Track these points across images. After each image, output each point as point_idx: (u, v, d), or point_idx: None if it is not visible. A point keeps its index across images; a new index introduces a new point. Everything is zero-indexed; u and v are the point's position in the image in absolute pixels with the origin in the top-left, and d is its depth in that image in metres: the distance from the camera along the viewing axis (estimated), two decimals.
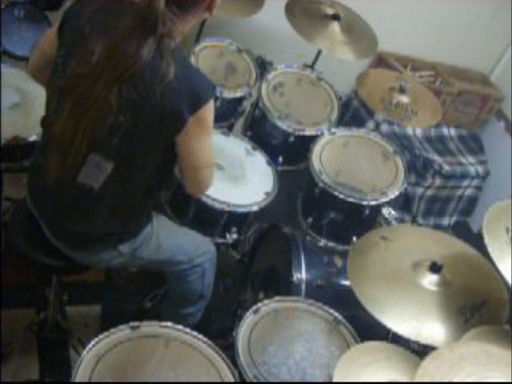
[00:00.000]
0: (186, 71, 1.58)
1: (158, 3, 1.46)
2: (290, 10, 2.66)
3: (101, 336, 1.59)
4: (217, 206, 2.16)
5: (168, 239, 1.94)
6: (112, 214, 1.74)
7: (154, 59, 1.50)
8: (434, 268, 1.68)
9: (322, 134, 2.54)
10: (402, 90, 2.54)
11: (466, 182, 3.50)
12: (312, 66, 2.88)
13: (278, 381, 1.70)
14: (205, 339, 1.67)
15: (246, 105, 2.70)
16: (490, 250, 1.54)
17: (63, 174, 1.63)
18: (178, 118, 1.57)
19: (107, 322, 2.00)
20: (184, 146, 1.65)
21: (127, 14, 1.50)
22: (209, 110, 1.61)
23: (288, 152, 2.58)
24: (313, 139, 2.52)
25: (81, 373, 1.50)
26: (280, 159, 2.57)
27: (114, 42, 1.50)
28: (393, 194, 2.37)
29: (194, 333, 1.68)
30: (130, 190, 1.72)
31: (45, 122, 1.74)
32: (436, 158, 3.41)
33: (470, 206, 3.63)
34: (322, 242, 2.42)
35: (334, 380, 1.54)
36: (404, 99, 2.54)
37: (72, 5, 1.66)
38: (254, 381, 1.68)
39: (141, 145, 1.61)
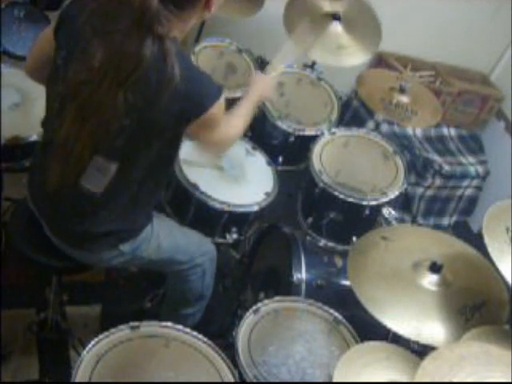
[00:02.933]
0: (192, 73, 1.56)
1: (151, 1, 1.44)
2: (289, 10, 2.66)
3: (101, 336, 1.59)
4: (217, 206, 2.16)
5: (168, 239, 1.93)
6: (112, 214, 1.74)
7: (158, 62, 1.48)
8: (434, 268, 1.68)
9: (322, 134, 2.54)
10: (402, 90, 2.54)
11: (466, 182, 3.50)
12: (312, 66, 2.88)
13: (278, 381, 1.70)
14: (205, 339, 1.67)
15: None
16: (490, 249, 1.54)
17: (64, 180, 1.62)
18: (184, 120, 1.58)
19: (107, 322, 2.00)
20: (195, 136, 1.73)
21: (124, 14, 1.48)
22: (215, 111, 1.62)
23: (288, 152, 2.58)
24: (313, 139, 2.52)
25: (81, 373, 1.50)
26: (280, 159, 2.57)
27: (114, 44, 1.48)
28: (393, 193, 2.37)
29: (194, 333, 1.68)
30: (129, 190, 1.71)
31: (45, 124, 1.73)
32: (436, 158, 3.40)
33: (470, 205, 3.63)
34: (322, 242, 2.41)
35: (334, 380, 1.54)
36: (404, 99, 2.54)
37: (68, 4, 1.62)
38: (254, 381, 1.67)
39: (145, 145, 1.61)
